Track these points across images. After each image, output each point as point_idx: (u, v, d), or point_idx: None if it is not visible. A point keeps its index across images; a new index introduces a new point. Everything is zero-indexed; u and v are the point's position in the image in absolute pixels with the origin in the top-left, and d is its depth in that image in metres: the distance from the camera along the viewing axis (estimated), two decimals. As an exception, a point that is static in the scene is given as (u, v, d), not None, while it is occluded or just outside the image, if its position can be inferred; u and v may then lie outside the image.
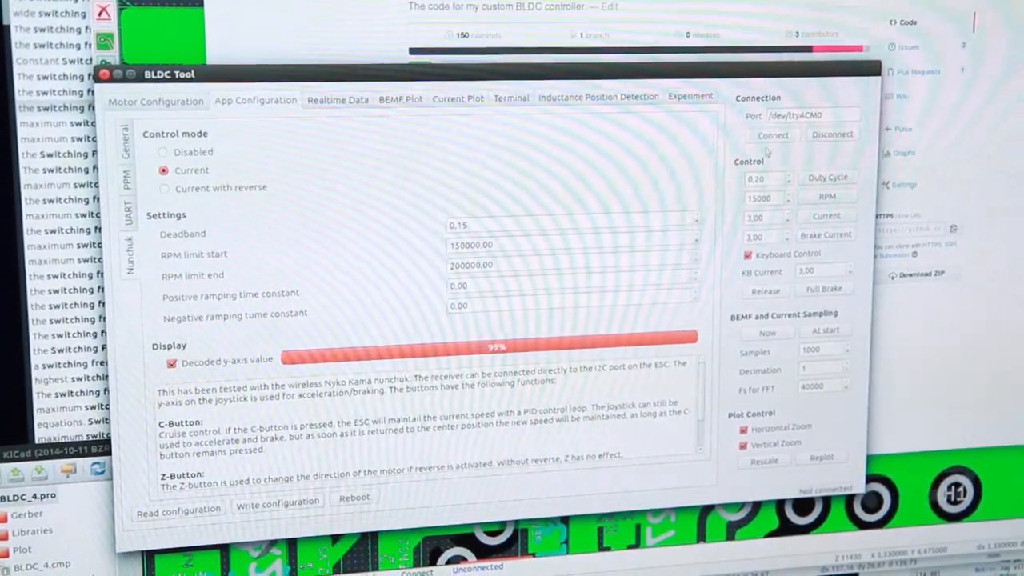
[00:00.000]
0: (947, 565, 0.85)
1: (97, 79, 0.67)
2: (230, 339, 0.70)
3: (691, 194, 0.75)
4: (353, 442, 0.73)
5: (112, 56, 0.67)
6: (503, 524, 0.77)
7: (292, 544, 0.74)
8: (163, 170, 0.68)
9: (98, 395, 0.70)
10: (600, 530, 0.79)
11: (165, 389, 0.70)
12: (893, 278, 0.79)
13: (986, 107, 0.78)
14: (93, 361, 0.70)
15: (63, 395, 0.69)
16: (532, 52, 0.72)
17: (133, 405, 0.70)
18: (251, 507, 0.72)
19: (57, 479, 0.70)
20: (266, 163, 0.69)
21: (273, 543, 0.74)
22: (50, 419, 0.70)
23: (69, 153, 0.67)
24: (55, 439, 0.70)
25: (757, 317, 0.77)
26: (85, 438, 0.70)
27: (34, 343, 0.69)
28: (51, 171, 0.67)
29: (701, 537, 0.80)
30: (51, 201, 0.68)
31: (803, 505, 0.81)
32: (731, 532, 0.81)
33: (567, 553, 0.79)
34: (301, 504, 0.73)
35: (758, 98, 0.75)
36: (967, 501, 0.84)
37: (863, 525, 0.82)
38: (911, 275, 0.79)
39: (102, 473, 0.71)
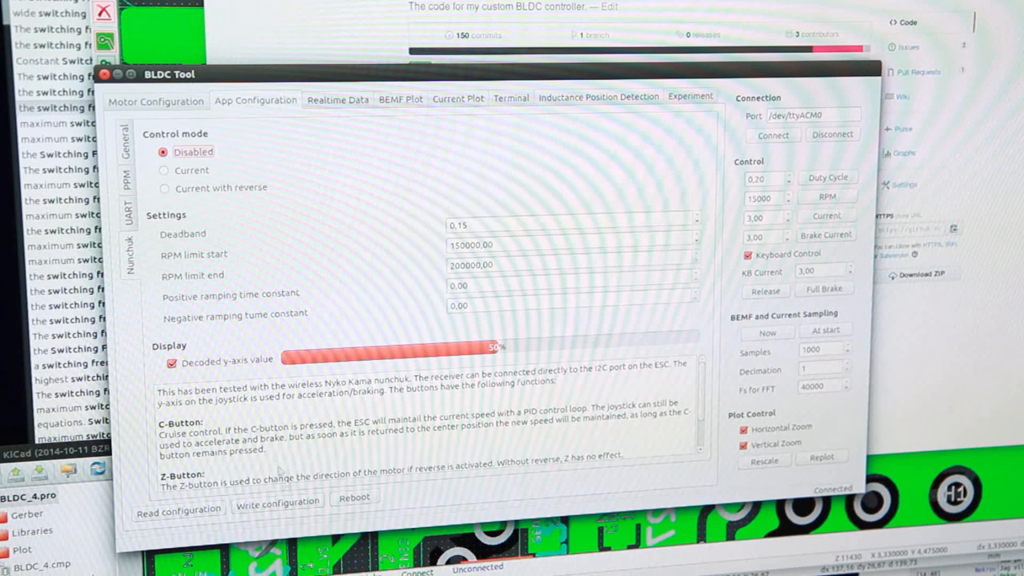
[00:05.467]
0: (947, 565, 0.85)
1: (97, 79, 0.66)
2: (230, 339, 0.70)
3: (691, 194, 0.75)
4: (353, 442, 0.73)
5: (112, 56, 0.67)
6: (503, 524, 0.77)
7: (292, 544, 0.74)
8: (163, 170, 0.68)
9: (98, 395, 0.70)
10: (600, 530, 0.79)
11: (165, 389, 0.70)
12: (893, 278, 0.79)
13: (986, 107, 0.78)
14: (93, 361, 0.70)
15: (63, 395, 0.69)
16: (532, 52, 0.72)
17: (133, 405, 0.70)
18: (251, 507, 0.72)
19: (57, 479, 0.70)
20: (266, 163, 0.69)
21: (273, 543, 0.74)
22: (50, 419, 0.69)
23: (69, 153, 0.67)
24: (55, 439, 0.70)
25: (757, 317, 0.77)
26: (85, 438, 0.70)
27: (34, 343, 0.69)
28: (51, 171, 0.67)
29: (701, 537, 0.80)
30: (51, 201, 0.68)
31: (803, 505, 0.81)
32: (731, 532, 0.81)
33: (567, 553, 0.79)
34: (301, 504, 0.73)
35: (758, 98, 0.75)
36: (967, 501, 0.84)
37: (863, 525, 0.82)
38: (911, 275, 0.79)
39: (102, 473, 0.71)
